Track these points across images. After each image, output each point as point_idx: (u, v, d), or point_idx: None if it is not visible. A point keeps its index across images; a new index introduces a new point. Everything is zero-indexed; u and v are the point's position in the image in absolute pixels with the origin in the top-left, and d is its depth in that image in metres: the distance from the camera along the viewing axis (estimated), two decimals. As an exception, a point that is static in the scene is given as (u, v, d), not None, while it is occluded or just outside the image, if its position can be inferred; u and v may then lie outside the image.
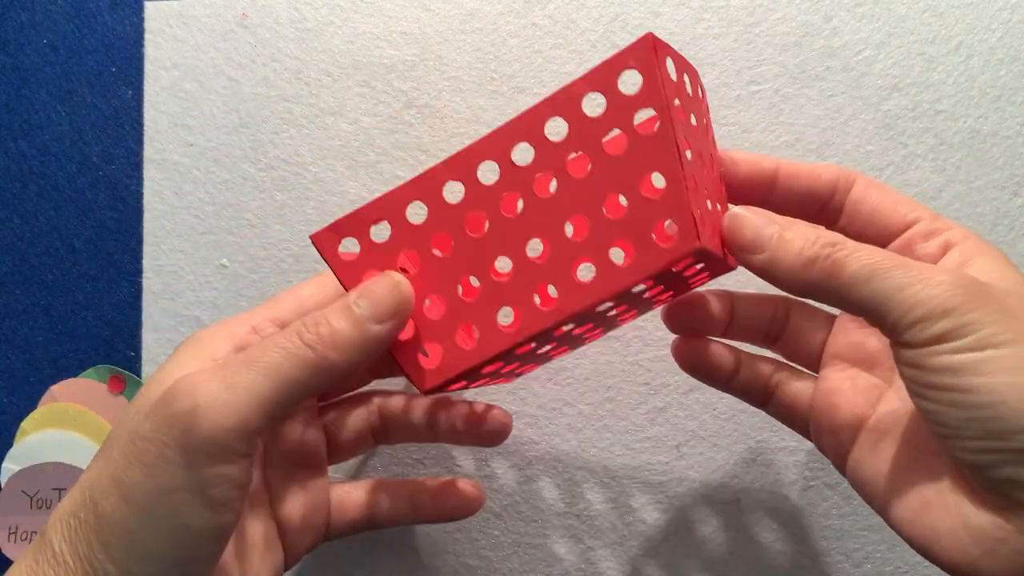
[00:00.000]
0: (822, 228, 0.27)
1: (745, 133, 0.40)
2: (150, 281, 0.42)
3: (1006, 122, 0.40)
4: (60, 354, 0.42)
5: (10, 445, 0.41)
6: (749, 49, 0.41)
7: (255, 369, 0.25)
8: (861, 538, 0.38)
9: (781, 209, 0.29)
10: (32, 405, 0.42)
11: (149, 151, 0.42)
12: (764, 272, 0.27)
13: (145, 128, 0.43)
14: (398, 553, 0.40)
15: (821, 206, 0.30)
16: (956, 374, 0.23)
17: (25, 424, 0.41)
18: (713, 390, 0.40)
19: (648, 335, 0.40)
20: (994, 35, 0.40)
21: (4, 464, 0.41)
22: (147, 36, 0.43)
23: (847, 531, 0.38)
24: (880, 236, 0.28)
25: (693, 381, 0.40)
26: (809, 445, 0.39)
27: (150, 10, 0.43)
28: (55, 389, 0.41)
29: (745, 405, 0.40)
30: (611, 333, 0.40)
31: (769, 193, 0.30)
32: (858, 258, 0.25)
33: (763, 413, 0.40)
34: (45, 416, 0.41)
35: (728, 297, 0.32)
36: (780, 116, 0.40)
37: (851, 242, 0.26)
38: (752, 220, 0.27)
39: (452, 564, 0.40)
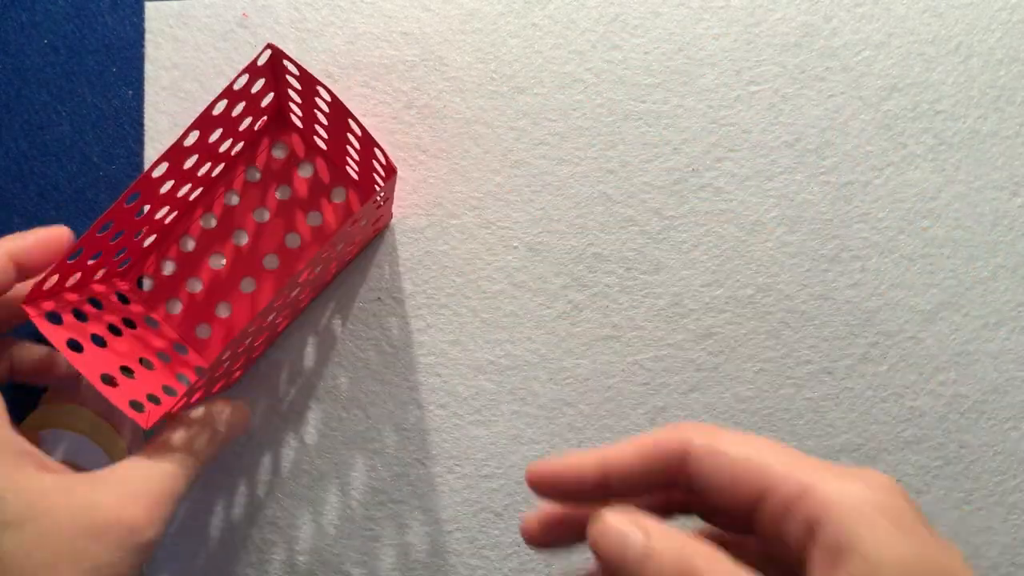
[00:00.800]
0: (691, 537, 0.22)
1: (745, 133, 0.40)
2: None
3: (1006, 122, 0.40)
4: (60, 354, 0.42)
5: (11, 445, 0.41)
6: (749, 49, 0.41)
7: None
8: (861, 538, 0.39)
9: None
10: (33, 405, 0.42)
11: (149, 151, 0.42)
12: None
13: (145, 128, 0.43)
14: (398, 553, 0.40)
15: (670, 484, 0.24)
16: None
17: (26, 424, 0.41)
18: (714, 390, 0.40)
19: (648, 335, 0.40)
20: (993, 35, 0.40)
21: (5, 464, 0.41)
22: (147, 36, 0.43)
23: (847, 531, 0.39)
24: (739, 516, 0.22)
25: (693, 380, 0.40)
26: (809, 445, 0.39)
27: (150, 10, 0.43)
28: (56, 389, 0.41)
29: (745, 404, 0.40)
30: (610, 333, 0.40)
31: (608, 492, 0.25)
32: None
33: (763, 412, 0.40)
34: (46, 416, 0.41)
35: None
36: (780, 116, 0.40)
37: (703, 556, 0.21)
38: (616, 532, 0.22)
39: (452, 564, 0.40)
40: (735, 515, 0.22)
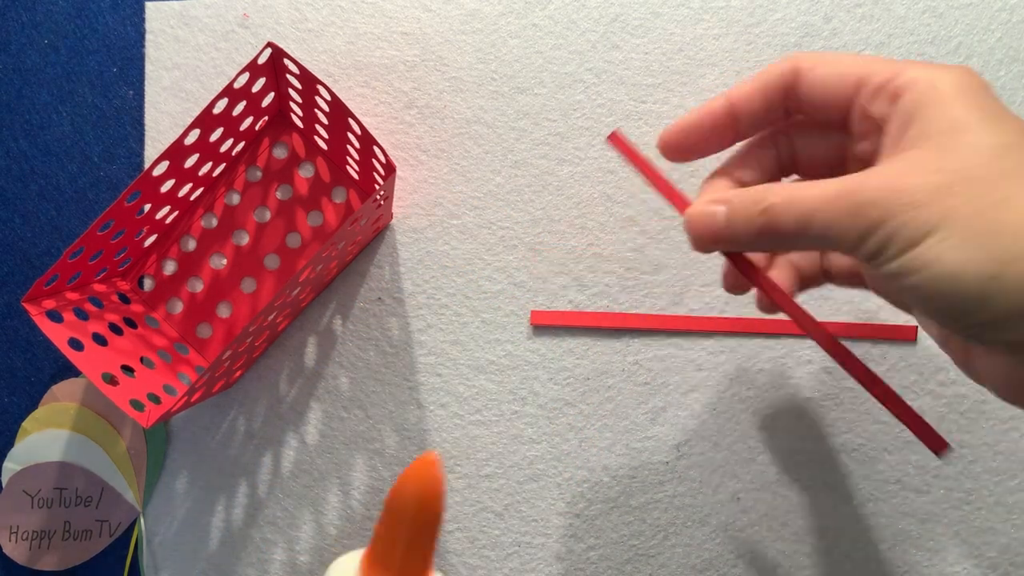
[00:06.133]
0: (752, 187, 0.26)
1: (745, 133, 0.40)
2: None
3: (1005, 122, 0.40)
4: (61, 354, 0.42)
5: (11, 445, 0.41)
6: (749, 49, 0.41)
7: None
8: (861, 538, 0.39)
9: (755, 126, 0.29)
10: (33, 405, 0.42)
11: (150, 151, 0.42)
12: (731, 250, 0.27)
13: (146, 128, 0.43)
14: (398, 553, 0.40)
15: (783, 111, 0.28)
16: (897, 279, 0.23)
17: (26, 424, 0.41)
18: (713, 390, 0.40)
19: (649, 334, 0.40)
20: (993, 36, 0.40)
21: (5, 464, 0.41)
22: (148, 36, 0.43)
23: (847, 531, 0.39)
24: (840, 112, 0.26)
25: (693, 381, 0.40)
26: (809, 445, 0.39)
27: (151, 10, 0.43)
28: (56, 389, 0.41)
29: (746, 404, 0.40)
30: (611, 333, 0.40)
31: (738, 128, 0.29)
32: (785, 210, 0.24)
33: (763, 412, 0.40)
34: (46, 416, 0.41)
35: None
36: (780, 116, 0.40)
37: (778, 193, 0.24)
38: (700, 215, 0.26)
39: (452, 564, 0.40)
40: (832, 117, 0.26)
